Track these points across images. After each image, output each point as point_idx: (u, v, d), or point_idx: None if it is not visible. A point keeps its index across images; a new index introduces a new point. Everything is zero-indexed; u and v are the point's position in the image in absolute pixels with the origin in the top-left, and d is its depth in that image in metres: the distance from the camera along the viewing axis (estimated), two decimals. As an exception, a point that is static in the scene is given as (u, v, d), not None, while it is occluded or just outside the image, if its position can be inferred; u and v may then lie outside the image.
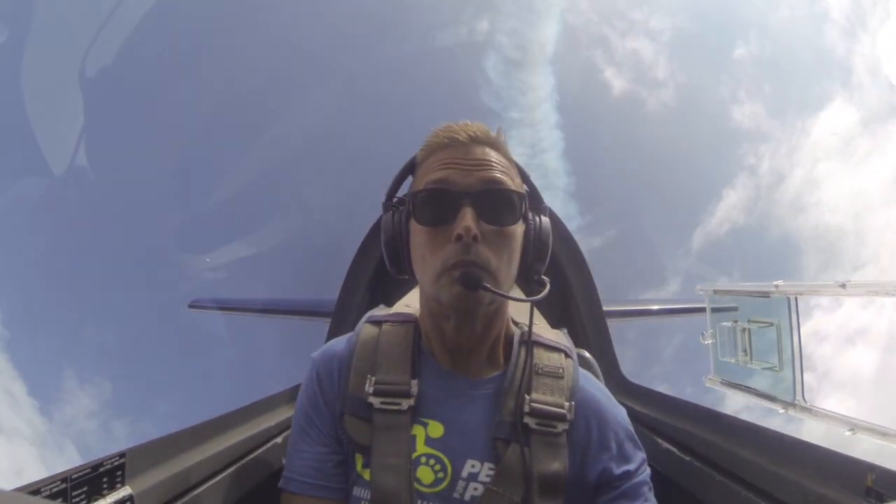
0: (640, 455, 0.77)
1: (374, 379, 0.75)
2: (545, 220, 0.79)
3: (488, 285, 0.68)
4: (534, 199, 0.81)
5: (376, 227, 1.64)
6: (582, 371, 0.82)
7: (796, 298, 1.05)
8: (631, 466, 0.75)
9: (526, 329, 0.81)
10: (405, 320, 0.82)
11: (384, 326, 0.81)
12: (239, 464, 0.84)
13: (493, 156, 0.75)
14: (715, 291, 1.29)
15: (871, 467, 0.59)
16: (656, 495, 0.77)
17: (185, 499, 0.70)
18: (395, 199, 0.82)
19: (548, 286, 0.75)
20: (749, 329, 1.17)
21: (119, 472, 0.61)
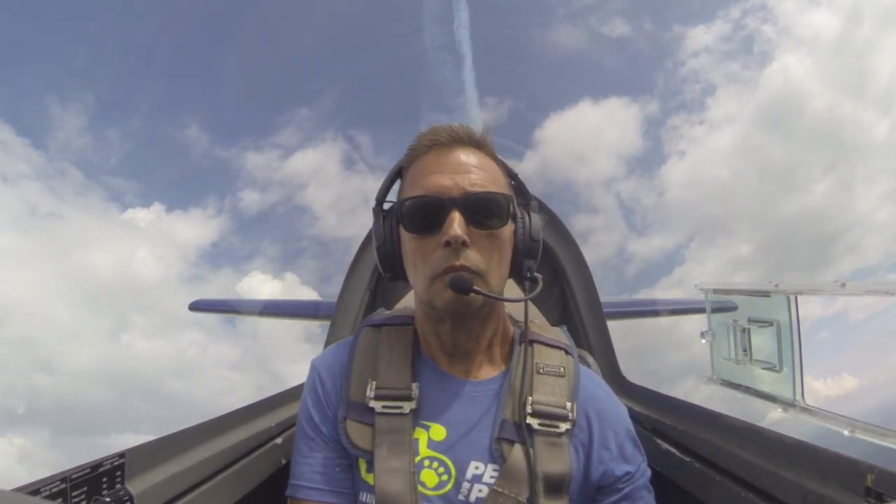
0: (641, 456, 0.78)
1: (374, 383, 0.75)
2: (534, 216, 0.80)
3: (479, 288, 0.69)
4: (521, 196, 0.81)
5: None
6: (584, 369, 0.82)
7: (796, 298, 1.05)
8: (631, 468, 0.75)
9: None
10: (404, 324, 0.82)
11: (383, 330, 0.82)
12: (239, 464, 0.84)
13: (478, 157, 0.76)
14: (714, 291, 1.29)
15: (871, 467, 0.59)
16: (656, 495, 0.77)
17: (185, 499, 0.70)
18: (384, 205, 0.82)
19: (540, 283, 0.76)
20: (749, 329, 1.17)
21: (119, 473, 0.61)
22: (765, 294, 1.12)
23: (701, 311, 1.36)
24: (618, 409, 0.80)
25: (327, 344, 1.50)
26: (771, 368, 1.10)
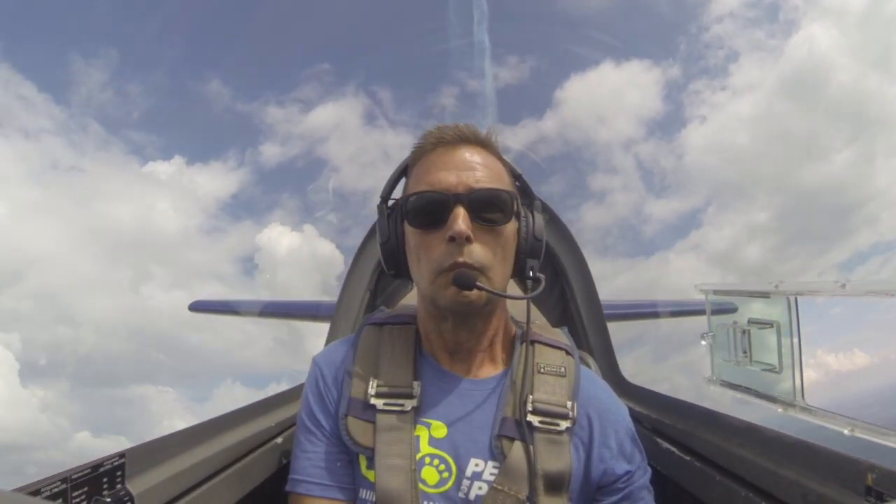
0: (641, 456, 0.78)
1: (376, 381, 0.75)
2: (538, 216, 0.80)
3: (482, 285, 0.69)
4: (526, 196, 0.82)
5: (374, 229, 1.65)
6: (584, 369, 0.82)
7: (796, 299, 1.05)
8: (631, 467, 0.75)
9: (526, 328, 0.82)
10: (405, 322, 0.82)
11: (385, 329, 0.82)
12: (239, 464, 0.84)
13: (483, 155, 0.77)
14: (715, 292, 1.29)
15: (871, 467, 0.59)
16: (656, 495, 0.77)
17: (186, 499, 0.70)
18: (389, 201, 0.83)
19: (543, 282, 0.76)
20: (749, 330, 1.17)
21: (119, 473, 0.61)
22: (764, 295, 1.12)
23: (701, 312, 1.36)
24: (619, 409, 0.80)
25: (327, 344, 1.50)
26: (771, 369, 1.10)
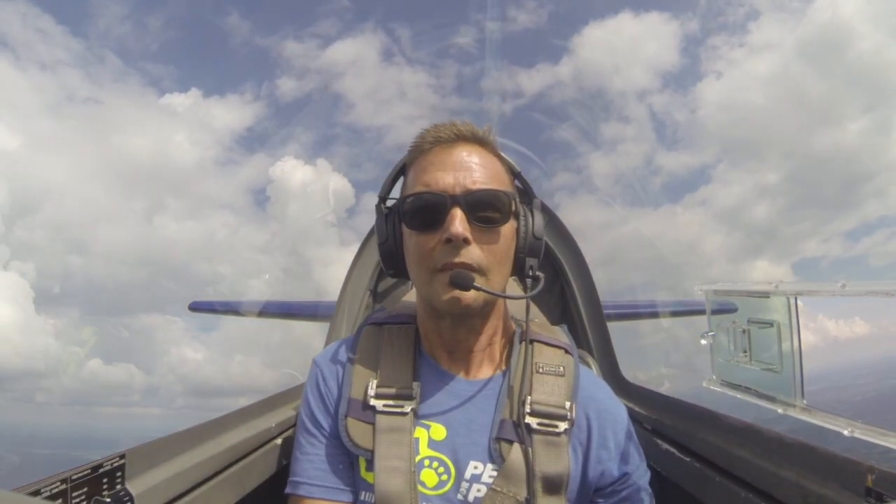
0: (640, 458, 0.78)
1: (376, 382, 0.75)
2: (537, 215, 0.80)
3: (479, 285, 0.69)
4: (525, 195, 0.81)
5: (374, 230, 1.65)
6: (583, 369, 0.82)
7: (796, 298, 1.05)
8: (629, 469, 0.75)
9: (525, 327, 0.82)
10: (405, 322, 0.82)
11: (385, 329, 0.82)
12: (239, 464, 0.84)
13: (481, 154, 0.76)
14: (715, 292, 1.29)
15: (871, 467, 0.59)
16: (657, 496, 0.77)
17: (186, 499, 0.70)
18: (387, 202, 0.82)
19: (542, 282, 0.76)
20: (749, 330, 1.16)
21: (119, 473, 0.61)
22: (764, 295, 1.12)
23: (701, 312, 1.36)
24: (618, 410, 0.80)
25: (327, 344, 1.50)
26: (771, 369, 1.10)
